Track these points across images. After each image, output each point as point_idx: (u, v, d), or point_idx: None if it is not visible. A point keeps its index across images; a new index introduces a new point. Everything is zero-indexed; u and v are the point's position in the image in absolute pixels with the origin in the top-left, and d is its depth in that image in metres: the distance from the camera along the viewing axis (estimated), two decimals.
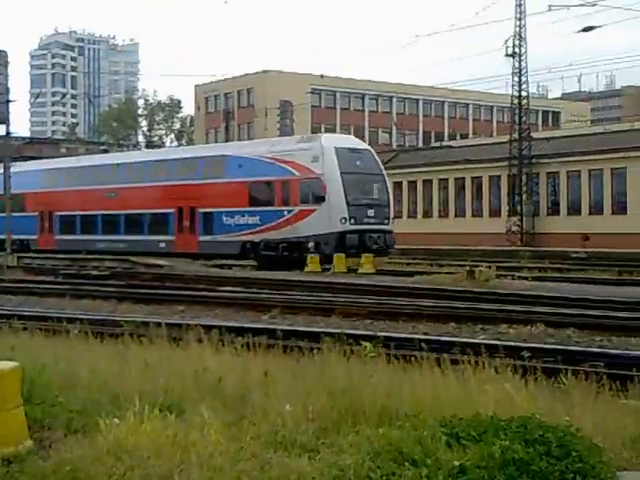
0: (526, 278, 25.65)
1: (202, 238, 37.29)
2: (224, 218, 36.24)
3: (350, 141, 37.38)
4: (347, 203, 32.55)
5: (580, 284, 24.46)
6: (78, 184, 44.22)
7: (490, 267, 25.86)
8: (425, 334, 13.48)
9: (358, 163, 33.81)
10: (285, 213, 33.97)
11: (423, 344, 9.95)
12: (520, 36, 66.33)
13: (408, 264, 35.36)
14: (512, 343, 11.39)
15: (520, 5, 65.92)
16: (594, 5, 27.83)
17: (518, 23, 65.80)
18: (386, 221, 33.82)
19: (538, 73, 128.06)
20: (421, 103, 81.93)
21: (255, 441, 6.63)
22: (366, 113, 79.59)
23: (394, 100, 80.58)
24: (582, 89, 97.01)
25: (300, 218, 33.41)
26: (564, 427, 6.49)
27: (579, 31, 31.52)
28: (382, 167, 35.21)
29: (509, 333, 14.33)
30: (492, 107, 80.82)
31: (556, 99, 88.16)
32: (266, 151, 35.84)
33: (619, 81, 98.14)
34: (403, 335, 12.34)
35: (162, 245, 38.93)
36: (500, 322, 15.14)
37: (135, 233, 40.75)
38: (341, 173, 32.75)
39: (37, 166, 49.42)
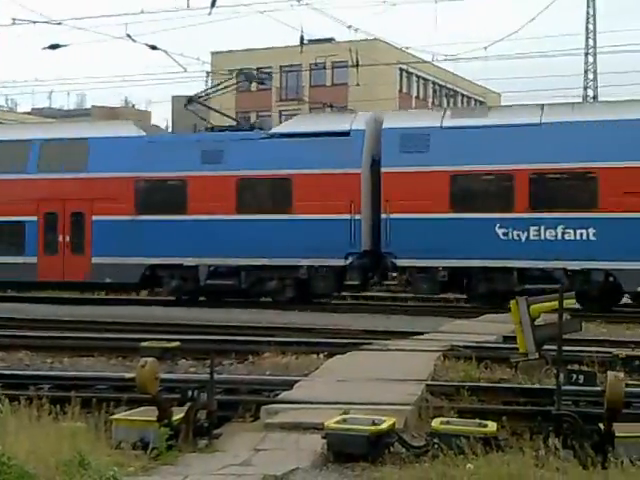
0: None
1: None
2: None
3: None
4: None
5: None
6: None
7: None
8: None
9: None
10: None
11: None
12: None
13: None
14: None
15: None
16: (60, 24, 27.96)
17: None
18: None
19: (6, 86, 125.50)
20: None
21: None
22: None
23: None
24: (53, 105, 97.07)
25: None
26: None
27: (45, 48, 31.01)
28: None
29: None
30: None
31: (26, 113, 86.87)
32: None
33: (90, 100, 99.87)
34: None
35: None
36: None
37: None
38: None
39: None
